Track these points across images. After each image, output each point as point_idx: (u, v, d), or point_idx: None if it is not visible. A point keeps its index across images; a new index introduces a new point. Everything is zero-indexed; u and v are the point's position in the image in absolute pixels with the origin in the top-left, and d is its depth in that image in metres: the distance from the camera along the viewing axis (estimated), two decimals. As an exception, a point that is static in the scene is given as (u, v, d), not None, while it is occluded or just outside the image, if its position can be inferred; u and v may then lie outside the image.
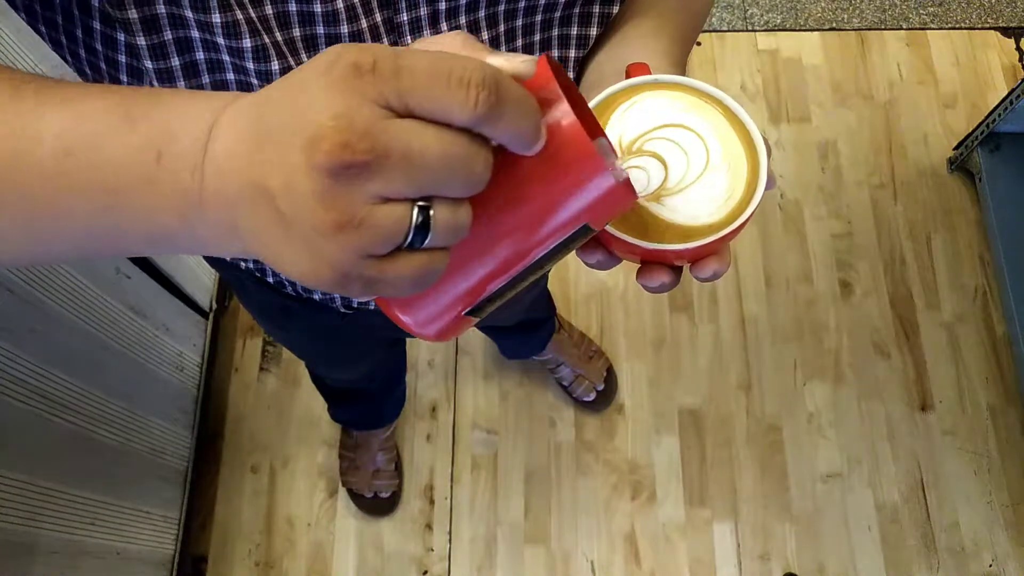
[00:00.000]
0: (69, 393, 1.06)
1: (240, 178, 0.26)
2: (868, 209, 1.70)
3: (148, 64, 0.42)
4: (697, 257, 0.38)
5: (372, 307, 0.72)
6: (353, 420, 1.40)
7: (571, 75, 0.53)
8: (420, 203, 0.26)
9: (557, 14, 0.49)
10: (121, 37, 0.42)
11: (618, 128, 0.39)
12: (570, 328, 1.52)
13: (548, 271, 0.33)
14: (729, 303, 1.61)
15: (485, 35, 0.47)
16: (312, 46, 0.43)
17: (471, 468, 1.48)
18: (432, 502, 1.46)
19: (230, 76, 0.44)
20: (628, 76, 0.41)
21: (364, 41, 0.44)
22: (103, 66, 0.44)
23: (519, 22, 0.48)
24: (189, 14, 0.39)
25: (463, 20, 0.46)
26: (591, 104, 0.40)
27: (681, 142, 0.38)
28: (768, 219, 1.69)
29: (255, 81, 0.44)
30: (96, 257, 0.36)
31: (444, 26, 0.46)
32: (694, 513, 1.45)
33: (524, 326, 1.31)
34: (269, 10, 0.41)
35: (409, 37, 0.45)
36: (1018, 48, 1.86)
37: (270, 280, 0.70)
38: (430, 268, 0.27)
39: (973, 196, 1.70)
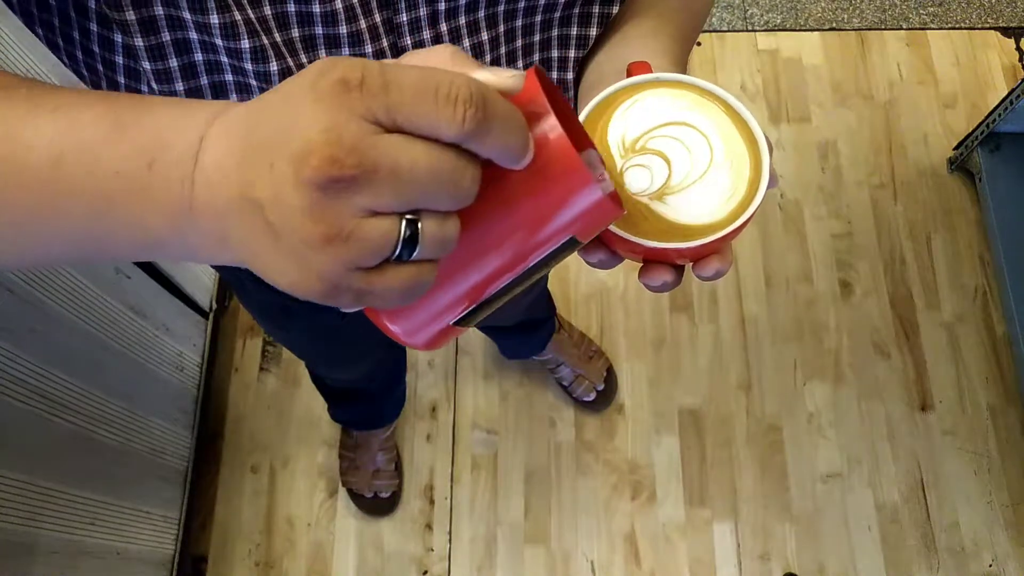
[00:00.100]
0: (69, 393, 1.06)
1: (229, 190, 0.27)
2: (868, 209, 1.70)
3: (146, 65, 0.42)
4: (699, 256, 0.38)
5: None
6: (353, 420, 1.40)
7: (571, 75, 0.53)
8: (408, 216, 0.26)
9: (557, 14, 0.49)
10: (118, 38, 0.42)
11: (620, 126, 0.39)
12: (570, 328, 1.52)
13: (536, 281, 0.33)
14: (729, 303, 1.61)
15: (484, 35, 0.47)
16: (311, 47, 0.43)
17: (471, 468, 1.48)
18: (432, 502, 1.46)
19: (228, 77, 0.44)
20: (629, 75, 0.41)
21: (363, 41, 0.44)
22: (100, 68, 0.44)
23: (518, 22, 0.48)
24: (187, 15, 0.39)
25: (462, 20, 0.46)
26: (592, 103, 0.40)
27: (684, 140, 0.38)
28: (768, 219, 1.69)
29: (253, 82, 0.43)
30: (87, 263, 0.36)
31: (443, 27, 0.45)
32: (694, 513, 1.45)
33: (524, 326, 1.31)
34: (268, 11, 0.41)
35: (408, 38, 0.45)
36: (1018, 48, 1.86)
37: (270, 280, 0.70)
38: (418, 280, 0.28)
39: (973, 196, 1.70)
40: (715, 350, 1.57)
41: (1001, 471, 1.49)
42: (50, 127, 0.29)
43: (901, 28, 1.88)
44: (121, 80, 0.44)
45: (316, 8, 0.41)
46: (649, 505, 1.46)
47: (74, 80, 0.46)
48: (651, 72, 0.41)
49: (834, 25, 1.89)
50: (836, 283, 1.63)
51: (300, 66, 0.43)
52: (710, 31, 1.88)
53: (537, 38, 0.50)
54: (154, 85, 0.43)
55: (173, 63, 0.42)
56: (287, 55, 0.42)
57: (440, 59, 0.29)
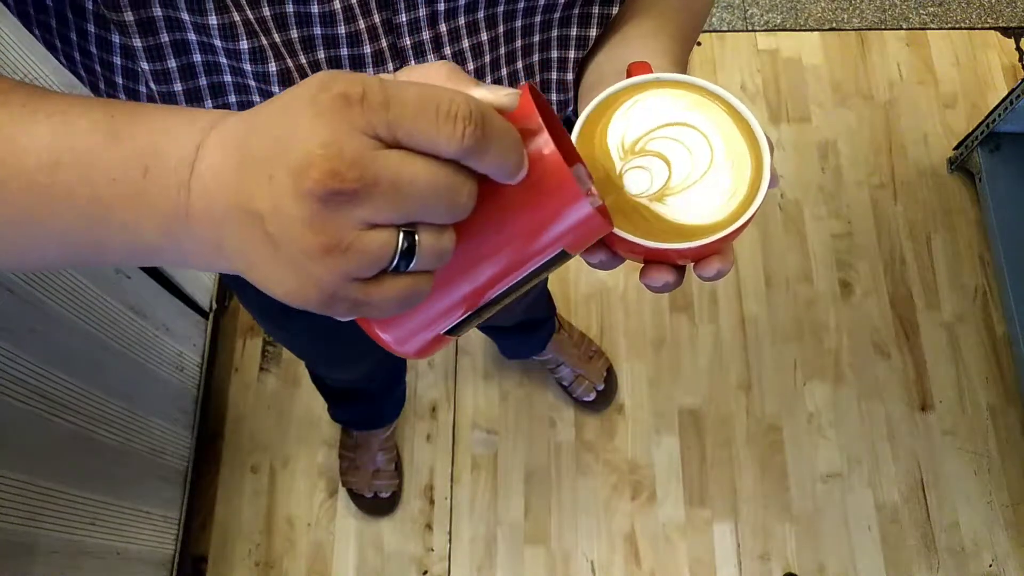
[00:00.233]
0: (69, 393, 1.06)
1: (227, 199, 0.27)
2: (868, 209, 1.70)
3: (144, 66, 0.42)
4: (700, 256, 0.38)
5: None
6: (353, 420, 1.40)
7: (571, 76, 0.53)
8: (406, 229, 0.27)
9: (556, 15, 0.49)
10: (116, 39, 0.42)
11: (620, 127, 0.39)
12: (570, 328, 1.52)
13: (525, 292, 0.34)
14: (729, 303, 1.61)
15: (484, 36, 0.47)
16: (310, 47, 0.43)
17: (471, 468, 1.48)
18: (432, 502, 1.46)
19: (227, 78, 0.44)
20: (629, 75, 0.41)
21: (362, 42, 0.44)
22: (98, 68, 0.44)
23: (518, 23, 0.48)
24: (185, 16, 0.39)
25: (462, 21, 0.46)
26: (592, 104, 0.40)
27: (685, 140, 0.38)
28: (768, 219, 1.69)
29: (252, 83, 0.43)
30: (83, 266, 0.36)
31: (443, 27, 0.45)
32: (694, 513, 1.45)
33: (524, 326, 1.31)
34: (267, 12, 0.40)
35: (407, 38, 0.45)
36: (1018, 48, 1.86)
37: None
38: (415, 291, 0.29)
39: (973, 196, 1.70)
40: (715, 350, 1.57)
41: (1001, 471, 1.49)
42: (47, 132, 0.29)
43: (901, 28, 1.88)
44: (119, 81, 0.44)
45: (315, 9, 0.41)
46: (649, 505, 1.46)
47: (74, 81, 0.46)
48: (651, 72, 0.41)
49: (834, 25, 1.89)
50: (836, 283, 1.63)
51: (299, 67, 0.43)
52: (710, 31, 1.88)
53: (536, 39, 0.50)
54: (152, 86, 0.43)
55: (171, 64, 0.42)
56: (286, 56, 0.42)
57: (437, 76, 0.29)
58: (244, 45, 0.41)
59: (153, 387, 1.30)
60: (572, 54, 0.52)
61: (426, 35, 0.45)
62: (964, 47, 1.86)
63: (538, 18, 0.49)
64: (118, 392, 1.18)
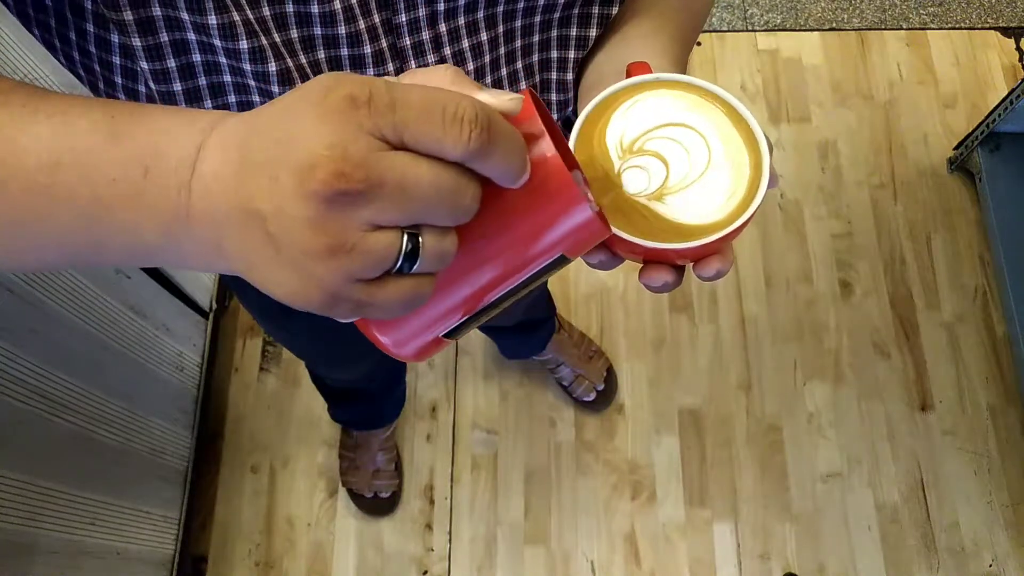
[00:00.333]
0: (69, 393, 1.06)
1: (229, 200, 0.27)
2: (868, 209, 1.70)
3: (144, 65, 0.42)
4: (700, 256, 0.38)
5: None
6: (353, 420, 1.40)
7: (571, 76, 0.53)
8: (409, 231, 0.27)
9: (556, 15, 0.49)
10: (115, 39, 0.42)
11: (619, 127, 0.39)
12: (570, 328, 1.52)
13: (522, 297, 0.34)
14: (729, 303, 1.61)
15: (484, 36, 0.47)
16: (310, 48, 0.43)
17: (471, 468, 1.48)
18: (432, 502, 1.46)
19: (226, 78, 0.44)
20: (629, 75, 0.41)
21: (362, 42, 0.44)
22: (97, 68, 0.44)
23: (518, 23, 0.48)
24: (185, 15, 0.39)
25: (461, 21, 0.46)
26: (591, 104, 0.40)
27: (683, 141, 0.38)
28: (768, 219, 1.69)
29: (252, 82, 0.43)
30: (80, 267, 0.36)
31: (442, 27, 0.45)
32: (694, 513, 1.45)
33: (524, 326, 1.31)
34: (266, 11, 0.40)
35: (407, 38, 0.45)
36: (1018, 48, 1.86)
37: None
38: (417, 293, 0.29)
39: (973, 196, 1.70)
40: (715, 350, 1.57)
41: (1001, 471, 1.49)
42: (47, 132, 0.29)
43: (901, 28, 1.88)
44: (118, 80, 0.44)
45: (315, 9, 0.41)
46: (649, 505, 1.46)
47: (74, 81, 0.46)
48: (650, 72, 0.41)
49: (834, 25, 1.89)
50: (836, 283, 1.63)
51: (299, 67, 0.43)
52: (710, 31, 1.88)
53: (536, 39, 0.50)
54: (152, 85, 0.43)
55: (171, 63, 0.42)
56: (286, 56, 0.42)
57: (441, 80, 0.29)
58: (244, 45, 0.41)
59: (153, 387, 1.30)
60: (572, 54, 0.52)
61: (426, 35, 0.45)
62: (964, 47, 1.86)
63: (538, 18, 0.49)
64: (118, 392, 1.18)
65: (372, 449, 1.41)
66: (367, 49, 0.44)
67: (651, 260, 0.39)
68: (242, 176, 0.27)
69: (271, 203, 0.26)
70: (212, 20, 0.39)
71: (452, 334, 0.34)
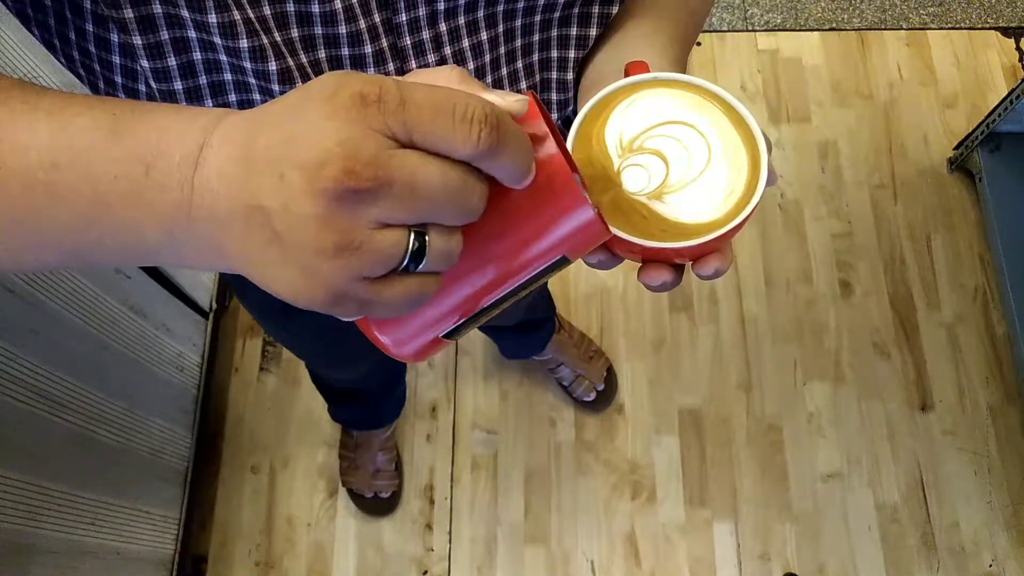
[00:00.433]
0: (69, 393, 1.06)
1: (232, 197, 0.27)
2: (868, 209, 1.70)
3: (145, 64, 0.42)
4: (699, 255, 0.38)
5: None
6: (353, 420, 1.40)
7: (571, 75, 0.53)
8: (416, 229, 0.27)
9: (556, 14, 0.49)
10: (115, 38, 0.42)
11: (618, 126, 0.39)
12: (570, 328, 1.52)
13: (521, 299, 0.34)
14: (729, 303, 1.61)
15: (484, 35, 0.47)
16: (310, 46, 0.43)
17: (471, 468, 1.48)
18: (432, 502, 1.46)
19: (227, 76, 0.44)
20: (627, 74, 0.41)
21: (362, 42, 0.44)
22: (97, 67, 0.44)
23: (518, 22, 0.48)
24: (185, 13, 0.39)
25: (462, 20, 0.46)
26: (590, 103, 0.40)
27: (682, 139, 0.38)
28: (768, 219, 1.69)
29: (252, 81, 0.43)
30: (78, 267, 0.36)
31: (442, 27, 0.45)
32: (694, 513, 1.45)
33: (524, 326, 1.31)
34: (267, 10, 0.40)
35: (408, 38, 0.45)
36: (1018, 48, 1.86)
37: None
38: (422, 291, 0.29)
39: (973, 196, 1.70)
40: (715, 350, 1.57)
41: (1001, 471, 1.49)
42: (47, 131, 0.29)
43: (901, 28, 1.88)
44: (118, 80, 0.44)
45: (315, 8, 0.41)
46: (649, 505, 1.46)
47: (74, 81, 0.47)
48: (648, 72, 0.41)
49: (834, 25, 1.89)
50: (836, 283, 1.63)
51: (300, 66, 0.43)
52: (710, 31, 1.88)
53: (536, 38, 0.50)
54: (152, 84, 0.43)
55: (172, 62, 0.42)
56: (287, 55, 0.42)
57: (447, 80, 0.30)
58: (244, 44, 0.41)
59: (153, 387, 1.30)
60: (572, 53, 0.52)
61: (426, 35, 0.45)
62: (964, 47, 1.86)
63: (538, 17, 0.49)
64: (118, 392, 1.18)
65: (372, 449, 1.41)
66: (368, 49, 0.44)
67: (650, 259, 0.39)
68: (247, 173, 0.27)
69: (277, 200, 0.26)
70: (212, 18, 0.39)
71: (452, 334, 0.34)
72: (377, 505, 1.43)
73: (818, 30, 1.88)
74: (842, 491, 1.47)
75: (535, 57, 0.51)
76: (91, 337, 1.12)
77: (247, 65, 0.42)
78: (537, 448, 1.49)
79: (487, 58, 0.48)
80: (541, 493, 1.46)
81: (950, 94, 1.80)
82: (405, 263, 0.27)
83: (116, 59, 0.43)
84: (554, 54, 0.52)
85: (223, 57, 0.42)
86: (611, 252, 0.39)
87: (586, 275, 1.63)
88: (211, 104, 0.45)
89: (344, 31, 0.43)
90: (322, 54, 0.44)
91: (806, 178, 1.73)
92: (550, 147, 0.30)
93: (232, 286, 0.89)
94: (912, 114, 1.78)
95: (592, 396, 1.49)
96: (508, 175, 0.28)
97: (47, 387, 1.01)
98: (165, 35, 0.41)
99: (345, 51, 0.44)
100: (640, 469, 1.48)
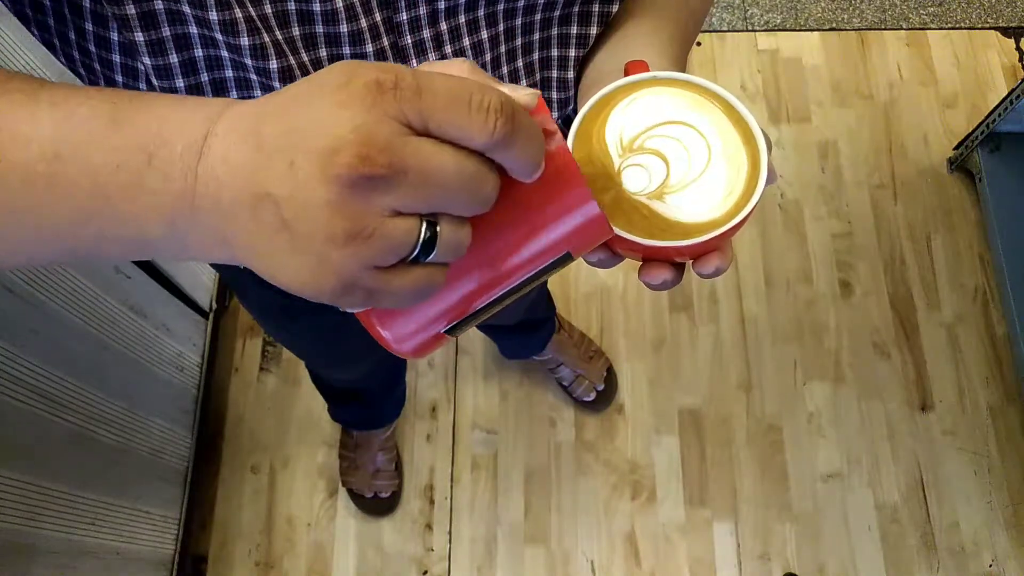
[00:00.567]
0: (69, 393, 1.06)
1: (238, 185, 0.27)
2: (868, 209, 1.70)
3: (146, 60, 0.41)
4: (699, 253, 0.38)
5: None
6: (353, 420, 1.40)
7: (571, 74, 0.53)
8: (427, 218, 0.27)
9: (556, 13, 0.49)
10: (115, 37, 0.42)
11: (618, 125, 0.39)
12: (570, 328, 1.52)
13: (521, 297, 0.34)
14: (729, 303, 1.61)
15: (484, 34, 0.47)
16: (311, 45, 0.43)
17: (471, 468, 1.48)
18: (432, 502, 1.46)
19: (228, 73, 0.44)
20: (627, 74, 0.41)
21: (363, 40, 0.44)
22: (97, 67, 0.44)
23: (518, 21, 0.48)
24: (187, 10, 0.39)
25: (462, 19, 0.46)
26: (590, 102, 0.40)
27: (682, 139, 0.38)
28: (768, 219, 1.69)
29: (254, 78, 0.43)
30: (79, 260, 0.35)
31: (443, 25, 0.45)
32: (694, 513, 1.45)
33: (524, 326, 1.31)
34: (268, 8, 0.40)
35: (408, 36, 0.45)
36: (1018, 48, 1.86)
37: (270, 280, 0.70)
38: (430, 282, 0.29)
39: (973, 196, 1.70)
40: (715, 350, 1.57)
41: (1001, 471, 1.49)
42: (48, 122, 0.28)
43: (901, 28, 1.88)
44: (119, 79, 0.44)
45: (316, 7, 0.41)
46: (649, 505, 1.46)
47: (74, 80, 0.46)
48: (648, 71, 0.41)
49: (834, 25, 1.89)
50: (836, 283, 1.63)
51: (300, 64, 0.43)
52: (710, 31, 1.88)
53: (536, 36, 0.50)
54: (154, 81, 0.43)
55: (173, 59, 0.42)
56: (288, 53, 0.42)
57: (459, 71, 0.29)
58: (245, 41, 0.40)
59: (153, 387, 1.30)
60: (572, 52, 0.52)
61: (427, 33, 0.45)
62: (964, 47, 1.86)
63: (538, 16, 0.49)
64: (118, 392, 1.18)
65: (372, 449, 1.41)
66: (369, 47, 0.44)
67: (650, 258, 0.39)
68: (254, 162, 0.26)
69: (286, 188, 0.25)
70: (213, 16, 0.39)
71: (452, 331, 0.34)
72: (377, 505, 1.43)
73: (818, 30, 1.88)
74: (842, 491, 1.47)
75: (535, 56, 0.51)
76: (91, 337, 1.12)
77: (248, 62, 0.42)
78: (537, 448, 1.49)
79: (488, 56, 0.48)
80: (541, 493, 1.46)
81: (950, 94, 1.80)
82: (416, 252, 0.27)
83: (116, 58, 0.43)
84: (554, 53, 0.52)
85: (224, 54, 0.42)
86: (612, 251, 0.39)
87: (586, 275, 1.63)
88: None
89: (345, 29, 0.43)
90: (323, 52, 0.44)
91: (806, 178, 1.73)
92: (558, 141, 0.30)
93: (232, 286, 0.89)
94: (912, 114, 1.78)
95: (592, 396, 1.49)
96: (520, 166, 0.28)
97: (47, 387, 1.01)
98: (167, 31, 0.40)
99: (346, 50, 0.44)
100: (640, 469, 1.48)
